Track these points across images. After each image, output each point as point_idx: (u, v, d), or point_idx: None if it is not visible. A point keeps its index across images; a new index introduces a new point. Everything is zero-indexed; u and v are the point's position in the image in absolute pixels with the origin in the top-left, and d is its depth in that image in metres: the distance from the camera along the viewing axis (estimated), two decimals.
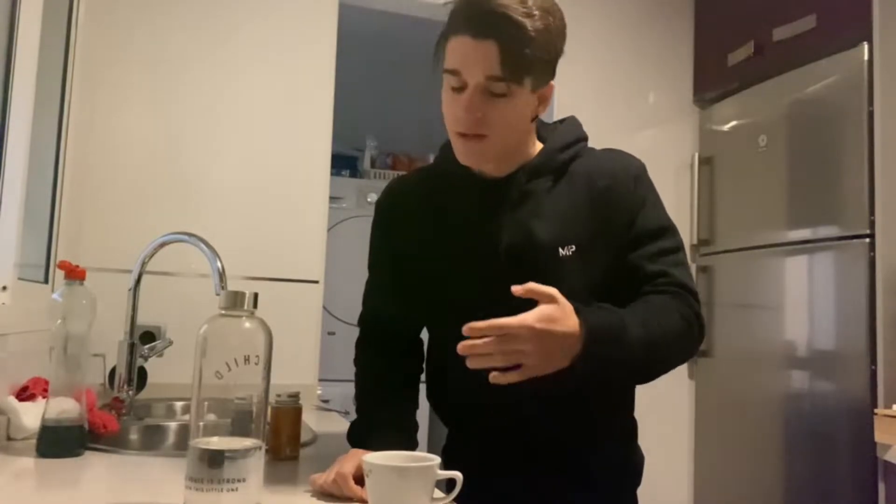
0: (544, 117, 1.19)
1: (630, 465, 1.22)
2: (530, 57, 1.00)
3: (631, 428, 1.23)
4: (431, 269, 1.17)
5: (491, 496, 1.16)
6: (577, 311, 0.94)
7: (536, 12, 0.99)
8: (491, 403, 1.19)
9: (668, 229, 1.13)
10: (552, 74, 1.08)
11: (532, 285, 0.92)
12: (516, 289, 0.91)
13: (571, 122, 1.21)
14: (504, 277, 1.07)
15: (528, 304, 0.95)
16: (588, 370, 0.94)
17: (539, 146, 1.17)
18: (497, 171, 1.14)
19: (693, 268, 2.62)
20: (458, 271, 1.14)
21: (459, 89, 1.03)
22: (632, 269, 1.10)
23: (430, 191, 1.22)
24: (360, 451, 1.02)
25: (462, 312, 1.15)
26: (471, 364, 0.91)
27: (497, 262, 1.11)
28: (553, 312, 0.91)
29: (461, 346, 0.90)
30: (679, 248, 1.13)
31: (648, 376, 1.08)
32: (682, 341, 1.07)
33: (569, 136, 1.17)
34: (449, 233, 1.16)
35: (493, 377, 0.91)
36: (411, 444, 1.11)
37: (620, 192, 1.11)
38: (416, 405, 1.21)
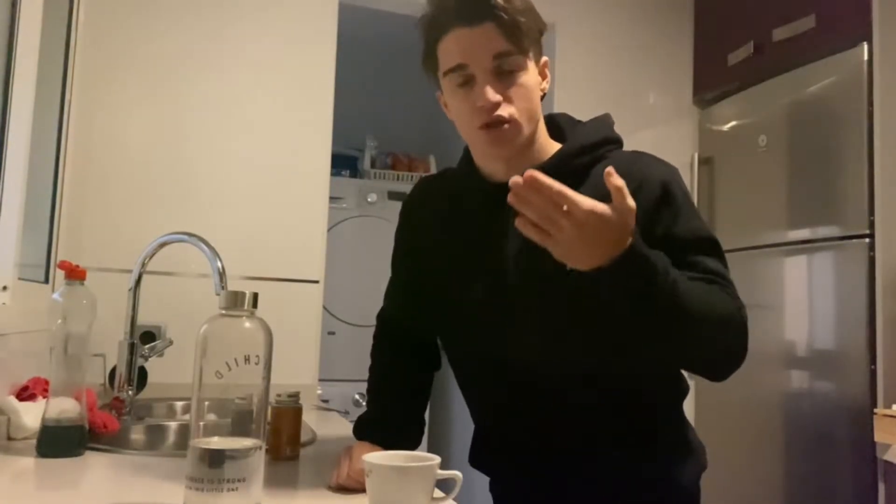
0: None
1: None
2: (526, 25, 1.01)
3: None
4: (437, 274, 1.17)
5: (509, 495, 1.18)
6: (634, 234, 0.85)
7: None
8: (495, 404, 1.19)
9: (706, 241, 1.01)
10: (541, 48, 1.08)
11: (616, 180, 0.82)
12: (609, 176, 0.82)
13: (599, 122, 1.12)
14: (507, 291, 1.06)
15: (531, 318, 0.91)
16: (613, 285, 0.85)
17: (555, 147, 1.09)
18: (508, 173, 1.04)
19: None
20: (462, 281, 1.12)
21: (468, 83, 1.02)
22: None
23: (446, 193, 1.20)
24: (367, 443, 1.06)
25: (463, 323, 1.14)
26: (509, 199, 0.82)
27: (500, 276, 1.07)
28: (610, 216, 0.82)
29: (513, 181, 0.81)
30: (719, 261, 1.00)
31: (679, 347, 0.95)
32: (723, 323, 0.94)
33: (592, 137, 1.09)
34: (456, 241, 1.14)
35: (519, 221, 0.84)
36: (414, 442, 1.12)
37: (643, 201, 0.97)
38: (423, 402, 1.23)
